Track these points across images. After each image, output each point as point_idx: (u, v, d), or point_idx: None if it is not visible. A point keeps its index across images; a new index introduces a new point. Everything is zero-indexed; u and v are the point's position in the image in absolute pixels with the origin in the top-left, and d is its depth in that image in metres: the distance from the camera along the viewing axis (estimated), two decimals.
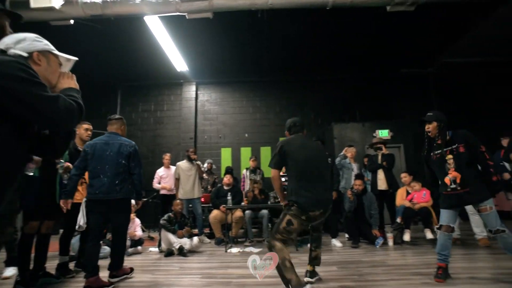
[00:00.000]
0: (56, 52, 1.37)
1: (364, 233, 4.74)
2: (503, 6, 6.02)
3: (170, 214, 4.59)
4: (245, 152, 8.38)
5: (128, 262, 3.57)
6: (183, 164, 5.61)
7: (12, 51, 1.23)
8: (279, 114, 8.72)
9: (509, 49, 7.70)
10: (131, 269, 3.20)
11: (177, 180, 5.60)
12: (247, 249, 4.53)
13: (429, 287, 2.54)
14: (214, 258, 4.04)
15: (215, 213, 5.36)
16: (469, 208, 4.36)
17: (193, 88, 8.81)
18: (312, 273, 2.95)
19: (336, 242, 4.69)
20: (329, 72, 8.51)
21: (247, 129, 8.66)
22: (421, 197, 4.61)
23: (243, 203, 5.38)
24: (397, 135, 7.41)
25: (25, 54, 1.24)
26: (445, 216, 2.85)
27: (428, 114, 3.08)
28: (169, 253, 4.21)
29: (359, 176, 5.01)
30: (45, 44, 1.33)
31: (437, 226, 2.91)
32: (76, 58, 1.47)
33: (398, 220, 4.63)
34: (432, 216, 4.45)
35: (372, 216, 4.84)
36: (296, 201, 2.55)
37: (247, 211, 5.21)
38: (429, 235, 4.35)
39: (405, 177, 4.96)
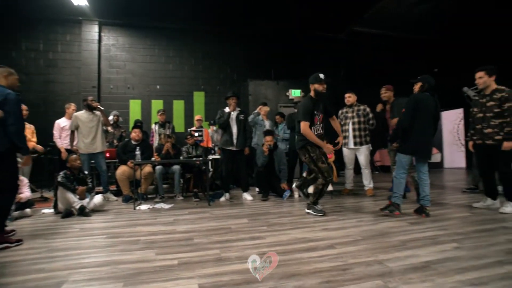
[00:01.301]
0: None
1: (273, 186, 5.05)
2: None
3: (66, 171, 4.06)
4: (157, 105, 7.84)
5: (14, 228, 3.09)
6: (82, 114, 4.92)
7: None
8: (194, 66, 8.28)
9: (403, 26, 8.67)
10: (18, 241, 2.71)
11: (73, 133, 4.93)
12: (158, 206, 4.40)
13: (328, 232, 2.86)
14: (121, 217, 3.80)
15: (122, 169, 4.98)
16: (362, 163, 5.00)
17: (95, 28, 7.59)
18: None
19: (247, 196, 4.89)
20: (247, 27, 8.30)
21: (158, 80, 8.03)
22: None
23: (153, 159, 5.10)
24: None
25: None
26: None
27: (419, 76, 3.62)
28: (67, 214, 3.78)
29: (268, 132, 5.17)
30: None
31: None
32: None
33: (304, 174, 5.04)
34: (333, 170, 4.96)
35: (281, 171, 5.15)
36: None
37: (157, 167, 4.98)
38: (329, 187, 4.87)
39: None
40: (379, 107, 4.75)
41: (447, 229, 2.86)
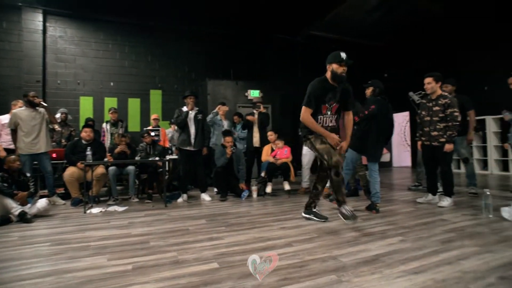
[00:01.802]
0: None
1: (231, 187, 5.04)
2: None
3: (3, 173, 3.69)
4: (110, 103, 7.44)
5: None
6: (23, 112, 4.48)
7: None
8: (150, 64, 8.00)
9: (357, 32, 9.15)
10: None
11: (14, 131, 4.49)
12: (111, 208, 4.17)
13: (285, 230, 2.92)
14: (69, 221, 3.54)
15: (71, 170, 4.65)
16: (304, 164, 5.18)
17: (39, 17, 7.01)
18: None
19: (205, 196, 4.82)
20: (207, 25, 8.21)
21: (112, 77, 7.64)
22: (283, 153, 5.16)
23: (106, 159, 4.84)
24: (267, 96, 7.95)
25: None
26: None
27: (369, 81, 3.90)
28: (3, 221, 3.39)
29: (228, 133, 5.15)
30: None
31: None
32: None
33: (262, 174, 5.10)
34: (291, 170, 5.08)
35: (239, 171, 5.15)
36: None
37: (111, 168, 4.73)
38: (286, 186, 4.98)
39: (271, 135, 5.40)
40: None
41: (394, 224, 3.06)
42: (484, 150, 7.99)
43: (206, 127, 5.03)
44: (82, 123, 6.44)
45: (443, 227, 2.87)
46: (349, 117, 3.15)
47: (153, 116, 6.91)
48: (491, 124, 7.66)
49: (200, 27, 8.21)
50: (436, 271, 1.87)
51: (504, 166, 7.57)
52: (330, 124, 3.04)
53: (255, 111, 5.48)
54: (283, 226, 3.07)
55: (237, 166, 5.12)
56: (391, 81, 10.23)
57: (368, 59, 10.15)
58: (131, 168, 4.83)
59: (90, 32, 7.51)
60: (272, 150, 5.30)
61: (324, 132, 2.97)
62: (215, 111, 5.72)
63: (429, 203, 4.01)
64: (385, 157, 5.40)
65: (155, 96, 7.99)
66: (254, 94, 7.80)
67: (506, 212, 3.09)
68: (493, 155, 7.69)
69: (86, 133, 4.84)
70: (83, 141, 4.84)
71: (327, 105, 2.99)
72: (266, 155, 5.27)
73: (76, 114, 7.14)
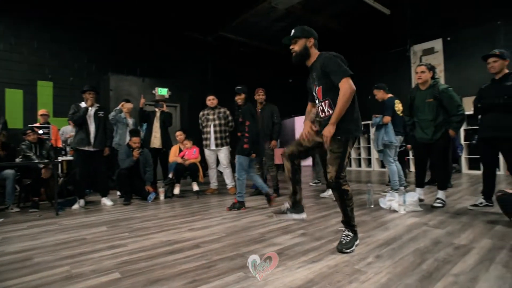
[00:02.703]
0: None
1: (137, 189, 4.72)
2: (264, 1, 7.49)
3: None
4: None
5: None
6: None
7: None
8: (37, 51, 6.90)
9: (264, 37, 9.65)
10: None
11: None
12: None
13: (193, 232, 2.87)
14: None
15: None
16: (223, 163, 5.25)
17: None
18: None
19: (106, 201, 4.42)
20: (112, 14, 7.51)
21: None
22: (192, 154, 5.08)
23: None
24: (175, 95, 7.71)
25: None
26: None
27: (238, 87, 4.05)
28: None
29: (135, 133, 4.83)
30: None
31: None
32: None
33: (170, 175, 4.93)
34: (199, 170, 5.03)
35: (146, 173, 4.87)
36: None
37: None
38: (195, 187, 4.91)
39: (180, 135, 5.28)
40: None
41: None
42: (368, 150, 9.35)
43: (109, 126, 4.60)
44: None
45: (337, 219, 3.22)
46: (341, 91, 2.15)
47: (40, 112, 5.99)
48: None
49: (104, 15, 7.45)
50: (330, 258, 2.10)
51: (383, 163, 8.99)
52: (322, 115, 2.35)
53: (157, 110, 5.24)
54: (191, 228, 3.03)
55: (144, 168, 4.82)
56: (295, 87, 11.11)
57: (274, 64, 10.80)
58: (8, 172, 4.09)
59: None
60: (180, 150, 5.17)
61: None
62: (118, 108, 5.28)
63: (330, 196, 4.47)
64: None
65: (45, 89, 6.92)
66: (162, 92, 7.47)
67: (382, 202, 3.69)
68: (375, 155, 9.06)
69: None
70: None
71: (314, 91, 2.40)
72: (174, 156, 5.12)
73: None
